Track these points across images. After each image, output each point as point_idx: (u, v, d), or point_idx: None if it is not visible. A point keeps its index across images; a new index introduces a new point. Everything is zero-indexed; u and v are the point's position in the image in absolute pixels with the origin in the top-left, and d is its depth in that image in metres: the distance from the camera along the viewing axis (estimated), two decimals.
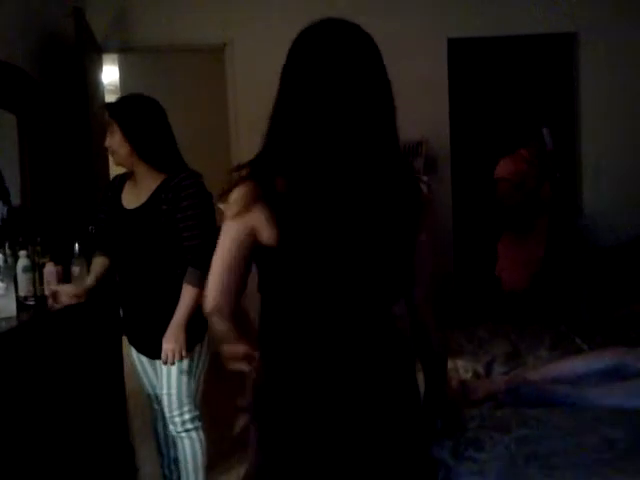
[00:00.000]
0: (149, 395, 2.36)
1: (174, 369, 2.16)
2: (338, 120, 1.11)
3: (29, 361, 2.04)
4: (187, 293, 2.08)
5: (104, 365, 2.61)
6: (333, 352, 1.17)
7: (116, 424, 2.69)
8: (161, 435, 2.39)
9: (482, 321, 3.19)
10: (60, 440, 2.18)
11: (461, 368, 2.36)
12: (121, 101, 2.31)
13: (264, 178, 1.13)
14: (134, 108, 2.19)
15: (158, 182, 2.14)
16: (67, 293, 2.25)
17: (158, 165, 2.15)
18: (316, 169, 1.13)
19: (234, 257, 1.16)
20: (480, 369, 2.35)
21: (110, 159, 2.38)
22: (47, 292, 2.34)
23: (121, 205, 2.20)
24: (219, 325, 1.17)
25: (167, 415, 2.23)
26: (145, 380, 2.34)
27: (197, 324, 2.12)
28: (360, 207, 1.15)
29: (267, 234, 1.13)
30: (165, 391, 2.19)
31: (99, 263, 2.31)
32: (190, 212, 2.07)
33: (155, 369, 2.27)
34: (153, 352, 2.19)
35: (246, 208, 1.13)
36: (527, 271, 3.31)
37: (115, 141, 2.16)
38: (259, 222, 1.13)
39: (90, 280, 2.29)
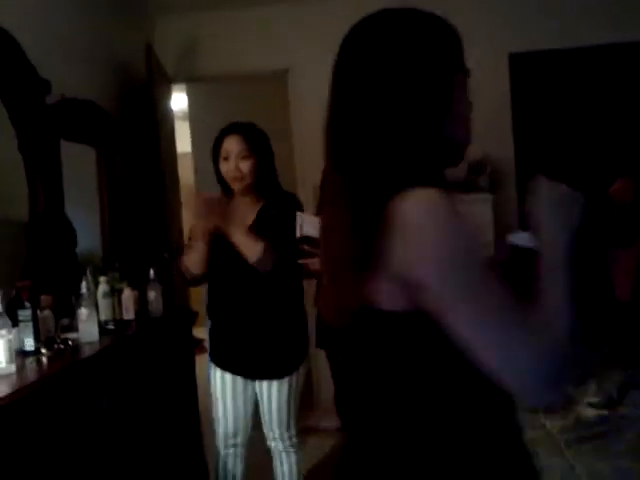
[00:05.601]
0: (226, 434, 2.36)
1: (279, 385, 2.25)
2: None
3: (112, 384, 2.15)
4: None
5: (179, 384, 2.72)
6: None
7: (191, 442, 2.78)
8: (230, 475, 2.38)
9: None
10: (140, 458, 2.28)
11: None
12: (253, 128, 2.28)
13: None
14: (264, 138, 2.26)
15: (258, 207, 2.26)
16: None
17: (263, 192, 2.28)
18: None
19: None
20: None
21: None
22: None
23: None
24: None
25: (274, 431, 2.31)
26: (231, 406, 2.34)
27: (301, 345, 2.26)
28: None
29: None
30: (275, 406, 2.27)
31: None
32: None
33: (249, 391, 2.33)
34: (256, 372, 2.29)
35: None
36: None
37: (248, 166, 2.20)
38: None
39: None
